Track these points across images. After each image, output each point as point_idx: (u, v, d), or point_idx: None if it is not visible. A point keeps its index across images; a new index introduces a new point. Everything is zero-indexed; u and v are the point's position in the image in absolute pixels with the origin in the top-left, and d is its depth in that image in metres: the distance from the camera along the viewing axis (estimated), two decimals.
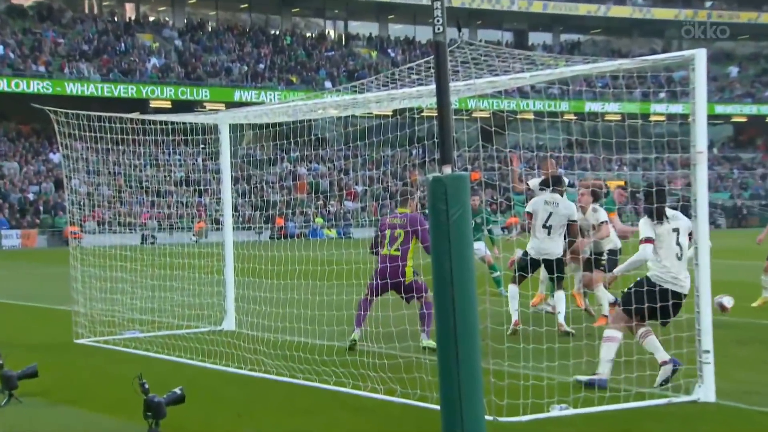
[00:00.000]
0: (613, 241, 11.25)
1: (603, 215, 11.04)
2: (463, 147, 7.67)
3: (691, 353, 7.46)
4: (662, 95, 44.71)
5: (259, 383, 8.13)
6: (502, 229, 24.08)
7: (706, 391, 7.15)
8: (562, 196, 10.48)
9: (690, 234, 7.69)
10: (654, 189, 7.68)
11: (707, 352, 7.25)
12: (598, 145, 9.26)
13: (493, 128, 7.68)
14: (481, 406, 5.70)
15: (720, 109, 61.80)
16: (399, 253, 9.49)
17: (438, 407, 5.82)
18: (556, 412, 6.72)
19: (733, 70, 67.74)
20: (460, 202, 5.86)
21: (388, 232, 9.60)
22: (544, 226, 10.28)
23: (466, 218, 5.90)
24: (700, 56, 7.24)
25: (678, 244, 7.70)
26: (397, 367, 8.01)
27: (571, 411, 6.74)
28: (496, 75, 7.57)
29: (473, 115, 8.10)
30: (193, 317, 11.54)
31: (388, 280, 9.30)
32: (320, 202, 37.24)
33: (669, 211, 7.78)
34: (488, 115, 10.37)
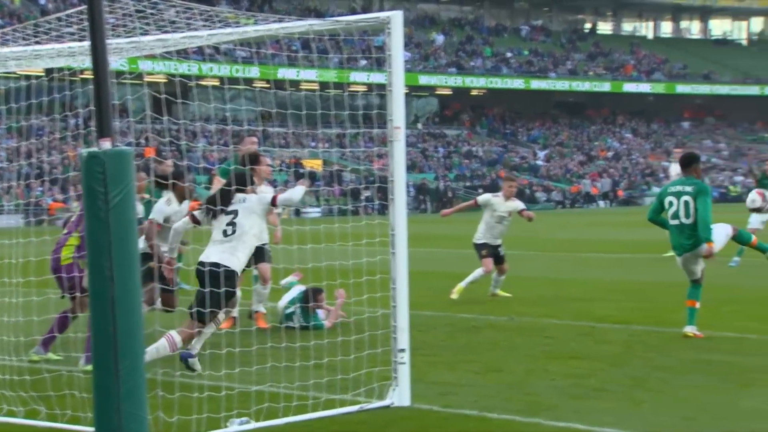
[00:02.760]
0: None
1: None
2: (133, 117, 7.48)
3: (387, 353, 7.87)
4: (363, 62, 46.58)
5: None
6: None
7: (400, 395, 7.56)
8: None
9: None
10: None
11: (402, 351, 7.66)
12: (293, 118, 9.43)
13: (164, 95, 7.55)
14: (145, 425, 5.64)
15: (424, 79, 65.60)
16: (63, 237, 9.29)
17: (93, 429, 5.68)
18: (235, 426, 6.81)
19: (439, 38, 72.11)
20: (123, 184, 5.74)
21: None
22: None
23: (129, 202, 5.79)
24: (396, 19, 7.57)
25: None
26: (42, 384, 7.70)
27: (253, 425, 6.86)
28: (166, 32, 7.45)
29: (146, 79, 7.94)
30: None
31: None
32: None
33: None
34: (164, 80, 10.17)
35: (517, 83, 70.12)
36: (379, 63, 7.76)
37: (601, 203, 61.50)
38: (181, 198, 10.22)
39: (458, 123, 71.02)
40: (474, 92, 71.59)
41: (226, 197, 8.69)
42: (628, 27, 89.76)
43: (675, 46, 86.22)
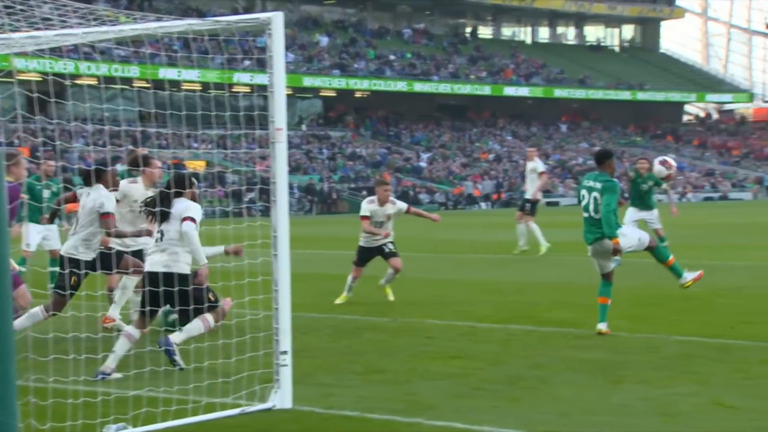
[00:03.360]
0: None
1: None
2: (3, 116, 7.24)
3: (269, 355, 7.81)
4: (247, 63, 46.27)
5: None
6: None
7: (282, 397, 7.51)
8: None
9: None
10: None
11: (285, 353, 7.61)
12: (175, 119, 9.27)
13: (37, 94, 7.32)
14: None
15: (308, 81, 65.50)
16: None
17: None
18: None
19: (323, 39, 72.07)
20: None
21: None
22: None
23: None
24: (276, 20, 7.50)
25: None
26: None
27: (130, 431, 6.71)
28: (38, 29, 7.23)
29: (18, 77, 7.67)
30: None
31: None
32: None
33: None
34: (38, 78, 9.87)
35: (400, 86, 70.60)
36: (262, 64, 7.70)
37: (483, 205, 62.42)
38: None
39: (342, 125, 71.10)
40: (358, 94, 71.82)
41: (166, 200, 8.71)
42: (507, 32, 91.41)
43: (552, 51, 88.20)
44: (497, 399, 7.73)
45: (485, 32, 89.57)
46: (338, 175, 60.97)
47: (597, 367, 8.94)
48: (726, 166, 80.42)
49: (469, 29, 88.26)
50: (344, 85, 68.26)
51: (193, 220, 8.65)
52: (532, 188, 21.81)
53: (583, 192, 10.78)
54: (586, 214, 10.74)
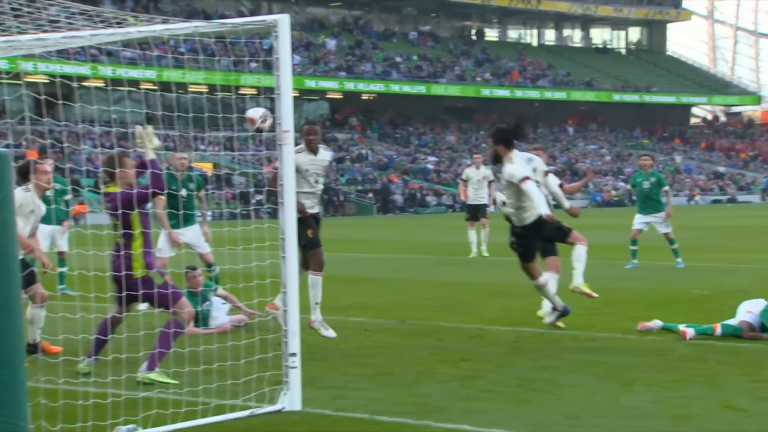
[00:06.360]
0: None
1: None
2: (14, 118, 7.25)
3: (278, 357, 7.80)
4: (253, 65, 46.26)
5: None
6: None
7: (291, 399, 7.50)
8: None
9: None
10: None
11: (294, 355, 7.60)
12: (183, 121, 9.28)
13: (45, 96, 7.33)
14: None
15: (314, 83, 65.50)
16: (122, 240, 8.55)
17: None
18: None
19: (329, 42, 72.08)
20: (1, 186, 5.56)
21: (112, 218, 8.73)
22: None
23: (8, 206, 5.61)
24: (283, 22, 7.51)
25: None
26: None
27: None
28: (45, 31, 7.22)
29: (25, 79, 7.69)
30: None
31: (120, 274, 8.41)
32: None
33: None
34: (45, 80, 9.88)
35: (407, 88, 70.59)
36: (269, 66, 7.69)
37: (492, 208, 62.19)
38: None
39: (349, 127, 71.11)
40: (364, 96, 71.79)
41: None
42: (513, 34, 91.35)
43: (558, 53, 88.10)
44: (506, 401, 7.71)
45: (491, 35, 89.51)
46: (345, 178, 60.95)
47: (606, 370, 8.91)
48: (734, 168, 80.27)
49: (474, 31, 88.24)
50: (351, 88, 68.26)
51: None
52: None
53: None
54: None
